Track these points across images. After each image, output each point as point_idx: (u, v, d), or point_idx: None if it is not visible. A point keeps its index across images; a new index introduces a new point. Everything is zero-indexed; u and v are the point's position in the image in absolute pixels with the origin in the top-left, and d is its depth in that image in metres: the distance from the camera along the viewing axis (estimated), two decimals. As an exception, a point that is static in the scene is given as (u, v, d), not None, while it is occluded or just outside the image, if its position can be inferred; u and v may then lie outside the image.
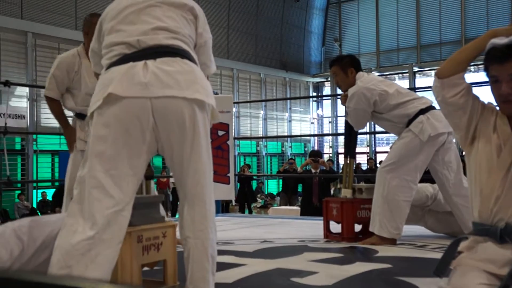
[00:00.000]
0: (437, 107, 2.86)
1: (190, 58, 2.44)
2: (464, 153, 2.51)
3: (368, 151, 22.33)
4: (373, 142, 22.51)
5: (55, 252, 2.16)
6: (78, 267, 2.12)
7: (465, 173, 3.04)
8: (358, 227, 4.67)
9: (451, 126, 2.56)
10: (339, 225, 4.69)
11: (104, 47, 2.44)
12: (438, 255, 2.50)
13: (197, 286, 2.40)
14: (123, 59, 2.33)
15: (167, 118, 2.31)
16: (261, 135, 22.34)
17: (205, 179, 2.43)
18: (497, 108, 2.40)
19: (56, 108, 4.26)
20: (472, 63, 2.47)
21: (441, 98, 2.45)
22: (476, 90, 2.49)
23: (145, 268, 2.67)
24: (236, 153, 19.37)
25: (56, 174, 15.71)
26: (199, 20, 2.57)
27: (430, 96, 3.30)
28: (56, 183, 14.53)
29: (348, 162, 4.92)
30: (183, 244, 2.45)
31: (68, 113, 4.29)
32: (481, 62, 2.39)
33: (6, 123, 6.63)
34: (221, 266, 3.27)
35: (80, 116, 4.06)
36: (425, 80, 22.12)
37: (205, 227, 2.41)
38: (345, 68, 4.55)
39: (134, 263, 2.48)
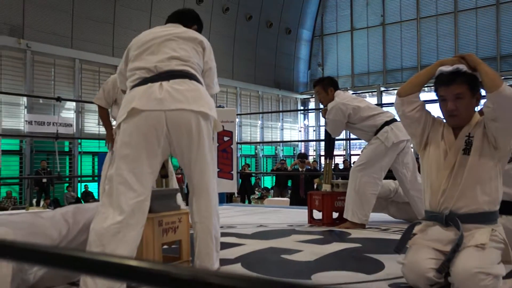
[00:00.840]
0: (398, 119, 2.86)
1: (197, 80, 2.46)
2: (419, 156, 2.53)
3: (344, 153, 22.30)
4: (348, 147, 22.48)
5: (90, 233, 2.17)
6: (110, 245, 2.13)
7: (419, 172, 3.05)
8: (335, 215, 4.66)
9: (408, 134, 2.57)
10: (320, 213, 4.68)
11: (129, 70, 2.46)
12: (398, 236, 2.50)
13: (203, 261, 2.41)
14: (143, 81, 2.36)
15: (178, 127, 2.32)
16: (258, 141, 22.32)
17: (209, 176, 2.43)
18: (444, 121, 2.42)
19: (103, 114, 4.43)
20: (425, 85, 2.49)
21: (401, 112, 2.46)
22: (429, 106, 2.51)
23: (165, 246, 2.67)
24: (238, 155, 19.35)
25: (96, 171, 15.70)
26: (206, 51, 2.60)
27: (393, 110, 3.31)
28: (96, 178, 14.55)
29: (327, 162, 4.92)
30: (193, 228, 2.47)
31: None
32: (432, 84, 2.41)
33: (57, 130, 6.64)
34: (225, 245, 3.27)
35: None
36: (390, 97, 22.09)
37: (209, 214, 2.42)
38: (325, 87, 4.55)
39: (156, 243, 2.48)
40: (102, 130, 15.77)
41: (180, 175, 14.86)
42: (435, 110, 2.52)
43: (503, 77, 18.34)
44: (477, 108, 2.39)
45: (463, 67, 2.29)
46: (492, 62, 19.01)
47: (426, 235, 2.33)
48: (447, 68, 2.31)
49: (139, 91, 2.32)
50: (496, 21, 19.92)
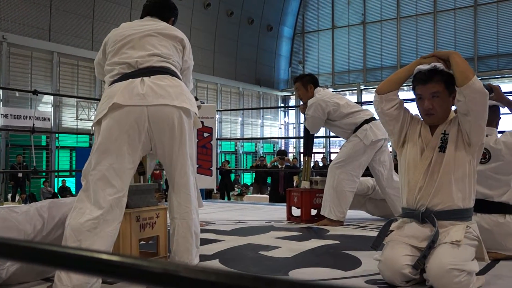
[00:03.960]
0: (377, 117, 2.88)
1: (178, 77, 2.45)
2: (396, 153, 2.55)
3: (324, 151, 22.42)
4: (328, 144, 22.61)
5: (66, 229, 2.14)
6: (86, 241, 2.11)
7: (396, 171, 3.08)
8: (314, 212, 4.68)
9: (387, 132, 2.59)
10: (299, 210, 4.70)
11: (108, 64, 2.44)
12: (375, 233, 2.52)
13: (182, 257, 2.40)
14: (124, 77, 2.34)
15: (160, 122, 2.31)
16: (238, 137, 22.30)
17: (189, 171, 2.43)
18: (421, 119, 2.45)
19: None
20: (405, 84, 2.51)
21: (380, 110, 2.48)
22: (408, 105, 2.54)
23: (142, 242, 2.65)
24: (218, 151, 19.33)
25: (74, 166, 15.52)
26: (186, 50, 2.59)
27: (373, 109, 3.34)
28: (73, 173, 14.38)
29: (306, 159, 4.94)
30: (170, 223, 2.45)
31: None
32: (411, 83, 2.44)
33: (34, 124, 6.54)
34: (204, 241, 3.26)
35: None
36: (370, 95, 22.27)
37: (189, 209, 2.41)
38: (305, 84, 4.55)
39: (133, 238, 2.47)
40: (80, 125, 15.68)
41: (158, 171, 14.79)
42: (413, 109, 2.54)
43: (480, 78, 18.63)
44: (454, 107, 2.42)
45: (440, 65, 2.31)
46: (469, 62, 19.14)
47: (403, 232, 2.36)
48: (424, 67, 2.33)
49: (120, 86, 2.30)
50: (474, 22, 20.22)
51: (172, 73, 2.43)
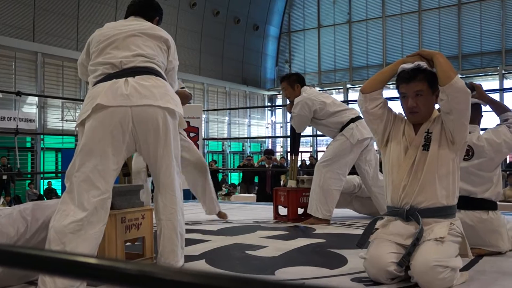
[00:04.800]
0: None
1: (162, 77, 2.45)
2: (380, 152, 2.57)
3: (311, 150, 22.49)
4: (315, 143, 22.69)
5: (50, 231, 2.12)
6: (70, 243, 2.09)
7: (381, 169, 3.10)
8: (300, 211, 4.69)
9: (371, 131, 2.60)
10: (286, 209, 4.71)
11: (92, 64, 2.42)
12: (361, 232, 2.54)
13: (167, 258, 2.40)
14: (107, 77, 2.33)
15: (145, 123, 2.30)
16: (225, 137, 22.29)
17: (174, 172, 2.43)
18: (405, 117, 2.47)
19: None
20: (390, 82, 2.52)
21: (364, 109, 2.49)
22: (392, 103, 2.55)
23: (128, 243, 2.64)
24: (206, 151, 19.29)
25: (60, 167, 15.40)
26: (171, 50, 2.59)
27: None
28: (60, 175, 14.26)
29: (293, 158, 4.95)
30: (157, 224, 2.45)
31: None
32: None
33: (17, 126, 6.47)
34: (190, 242, 3.26)
35: None
36: (356, 94, 22.32)
37: (174, 210, 2.41)
38: (292, 83, 4.55)
39: (119, 239, 2.46)
40: (66, 126, 15.55)
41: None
42: (397, 107, 2.56)
43: (464, 76, 18.76)
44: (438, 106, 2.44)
45: (423, 64, 2.33)
46: (454, 60, 19.46)
47: (388, 230, 2.37)
48: (408, 66, 2.35)
49: (103, 87, 2.28)
50: (458, 20, 20.42)
51: (157, 74, 2.42)
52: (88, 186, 2.17)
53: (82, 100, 2.40)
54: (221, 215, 4.76)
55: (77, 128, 2.33)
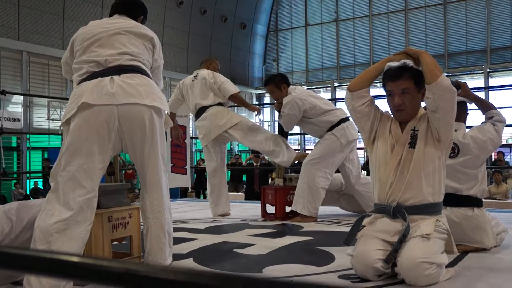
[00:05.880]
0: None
1: (148, 75, 2.44)
2: (367, 150, 2.57)
3: (299, 148, 22.52)
4: (303, 141, 22.73)
5: (35, 231, 2.11)
6: (56, 243, 2.08)
7: (367, 168, 3.11)
8: (288, 209, 4.70)
9: (358, 129, 2.61)
10: (274, 207, 4.72)
11: (76, 62, 2.40)
12: (348, 229, 2.55)
13: (155, 256, 2.39)
14: (93, 76, 2.31)
15: (131, 122, 2.29)
16: (214, 136, 22.21)
17: (161, 171, 2.42)
18: (392, 115, 2.48)
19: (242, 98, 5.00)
20: (377, 81, 2.53)
21: (351, 107, 2.50)
22: (380, 102, 2.57)
23: (115, 243, 2.63)
24: (194, 150, 19.23)
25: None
26: (156, 49, 2.58)
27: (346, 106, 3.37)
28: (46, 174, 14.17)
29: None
30: (144, 223, 2.44)
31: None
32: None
33: (2, 125, 6.41)
34: (177, 240, 3.25)
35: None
36: (344, 92, 22.44)
37: (162, 208, 2.40)
38: (279, 85, 4.54)
39: (105, 239, 2.45)
40: (52, 125, 15.41)
41: (131, 171, 14.65)
42: (384, 106, 2.57)
43: (450, 74, 18.87)
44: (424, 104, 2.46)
45: (409, 62, 2.35)
46: (440, 59, 19.59)
47: (375, 227, 2.39)
48: (394, 64, 2.36)
49: (89, 85, 2.27)
50: (444, 19, 20.56)
51: (142, 72, 2.41)
52: (74, 185, 2.16)
53: (69, 99, 2.38)
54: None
55: (62, 127, 2.31)
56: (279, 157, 4.65)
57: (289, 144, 4.82)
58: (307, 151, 5.23)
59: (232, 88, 4.71)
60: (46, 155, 15.44)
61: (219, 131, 4.71)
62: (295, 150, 4.94)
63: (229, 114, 4.75)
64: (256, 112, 4.98)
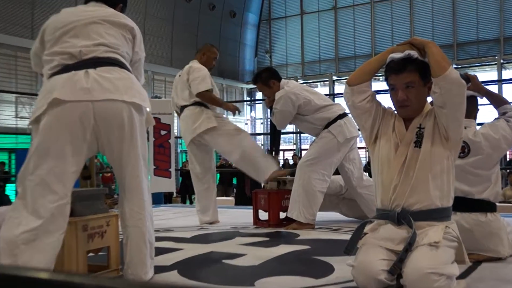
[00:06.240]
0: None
1: (127, 69, 2.42)
2: (369, 150, 2.57)
3: (294, 148, 22.56)
4: (298, 141, 22.76)
5: None
6: (23, 255, 2.06)
7: (369, 170, 3.11)
8: (283, 215, 4.70)
9: (358, 126, 2.61)
10: (267, 213, 4.71)
11: (47, 54, 2.38)
12: (349, 237, 2.54)
13: (135, 269, 2.38)
14: (65, 69, 2.29)
15: (108, 120, 2.28)
16: (201, 135, 22.19)
17: (142, 174, 2.41)
18: (395, 112, 2.48)
19: (215, 96, 4.79)
20: (379, 74, 2.53)
21: (350, 102, 2.49)
22: (383, 97, 2.56)
23: (90, 254, 2.61)
24: (179, 150, 19.19)
25: (13, 170, 15.13)
26: (136, 40, 2.57)
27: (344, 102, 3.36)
28: (13, 178, 14.02)
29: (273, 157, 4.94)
30: (123, 232, 2.42)
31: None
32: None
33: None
34: (161, 251, 3.24)
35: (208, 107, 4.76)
36: (343, 87, 22.45)
37: (142, 216, 2.39)
38: (266, 82, 4.53)
39: (80, 250, 2.43)
40: (21, 124, 15.30)
41: (109, 174, 14.60)
42: (387, 101, 2.57)
43: (459, 66, 18.92)
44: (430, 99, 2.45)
45: (414, 53, 2.34)
46: (448, 49, 19.69)
47: (378, 234, 2.38)
48: (397, 55, 2.36)
49: (61, 79, 2.25)
50: (453, 6, 20.63)
51: (121, 65, 2.40)
52: (44, 190, 2.14)
53: (38, 95, 2.36)
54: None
55: (31, 126, 2.29)
56: (252, 174, 4.66)
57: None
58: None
59: (201, 86, 4.63)
60: (13, 157, 15.31)
61: (191, 135, 4.73)
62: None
63: (204, 117, 4.67)
64: (233, 112, 4.87)
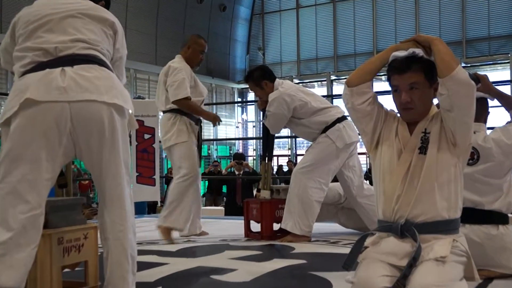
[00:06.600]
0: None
1: (107, 67, 2.42)
2: (370, 156, 2.57)
3: (289, 153, 22.57)
4: (294, 145, 22.76)
5: None
6: None
7: (369, 177, 3.12)
8: (276, 226, 4.70)
9: (358, 131, 2.61)
10: (259, 225, 4.71)
11: (18, 50, 2.37)
12: (348, 250, 2.55)
13: (116, 286, 2.36)
14: (39, 66, 2.28)
15: (86, 122, 2.27)
16: (188, 139, 22.17)
17: (124, 182, 2.40)
18: (398, 115, 2.48)
19: (194, 104, 4.65)
20: (382, 73, 2.53)
21: (350, 105, 2.50)
22: (385, 98, 2.56)
23: (66, 270, 2.60)
24: (163, 156, 19.14)
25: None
26: (118, 36, 2.56)
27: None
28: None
29: (266, 164, 4.94)
30: (103, 245, 2.42)
31: None
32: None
33: None
34: (144, 266, 3.24)
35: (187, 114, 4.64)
36: (342, 87, 22.48)
37: (124, 228, 2.38)
38: (258, 82, 4.54)
39: (54, 265, 2.41)
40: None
41: (87, 181, 14.56)
42: (389, 103, 2.57)
43: (468, 65, 19.01)
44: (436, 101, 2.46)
45: (419, 51, 2.35)
46: (457, 46, 19.79)
47: (379, 248, 2.38)
48: (401, 53, 2.36)
49: (34, 78, 2.25)
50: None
51: (101, 63, 2.39)
52: (14, 199, 2.13)
53: (8, 95, 2.35)
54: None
55: (0, 129, 2.28)
56: (172, 205, 4.54)
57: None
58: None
59: (178, 92, 4.51)
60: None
61: (163, 145, 4.73)
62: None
63: (175, 130, 4.60)
64: (214, 122, 4.75)
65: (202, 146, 5.03)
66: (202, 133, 4.92)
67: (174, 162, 4.71)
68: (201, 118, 4.82)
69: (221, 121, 4.87)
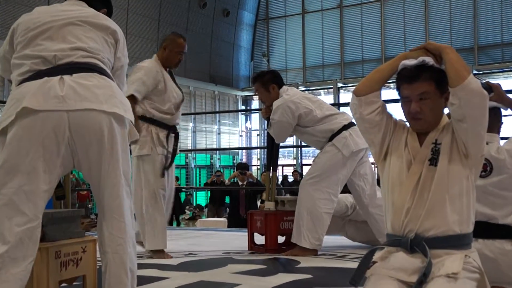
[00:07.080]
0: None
1: (108, 76, 2.42)
2: (378, 168, 2.57)
3: (295, 163, 22.57)
4: (299, 155, 22.77)
5: None
6: None
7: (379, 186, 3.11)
8: (281, 239, 4.69)
9: (366, 142, 2.60)
10: (263, 237, 4.71)
11: (17, 57, 2.39)
12: (356, 265, 2.54)
13: (115, 301, 2.36)
14: (37, 75, 2.30)
15: (85, 132, 2.28)
16: (190, 148, 22.22)
17: (123, 193, 2.40)
18: (408, 124, 2.48)
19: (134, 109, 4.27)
20: (391, 81, 2.53)
21: (358, 115, 2.50)
22: (394, 106, 2.56)
23: (64, 284, 2.60)
24: (165, 166, 19.19)
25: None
26: (120, 45, 2.57)
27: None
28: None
29: (271, 174, 4.94)
30: (101, 259, 2.42)
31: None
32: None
33: None
34: (143, 280, 3.23)
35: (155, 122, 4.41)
36: (349, 95, 22.58)
37: (123, 241, 2.38)
38: (266, 84, 4.56)
39: (51, 280, 2.41)
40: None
41: (86, 191, 14.57)
42: (398, 112, 2.57)
43: (480, 72, 18.99)
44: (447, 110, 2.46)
45: (429, 60, 2.35)
46: (468, 53, 19.79)
47: (388, 263, 2.37)
48: (410, 62, 2.36)
49: (32, 86, 2.26)
50: (474, 5, 20.72)
51: (101, 71, 2.40)
52: (11, 211, 2.14)
53: (5, 103, 2.35)
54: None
55: None
56: (143, 239, 4.38)
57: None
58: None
59: (128, 89, 4.01)
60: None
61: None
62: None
63: (141, 140, 4.20)
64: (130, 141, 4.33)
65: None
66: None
67: (135, 177, 4.45)
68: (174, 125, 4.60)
69: (136, 142, 4.21)
